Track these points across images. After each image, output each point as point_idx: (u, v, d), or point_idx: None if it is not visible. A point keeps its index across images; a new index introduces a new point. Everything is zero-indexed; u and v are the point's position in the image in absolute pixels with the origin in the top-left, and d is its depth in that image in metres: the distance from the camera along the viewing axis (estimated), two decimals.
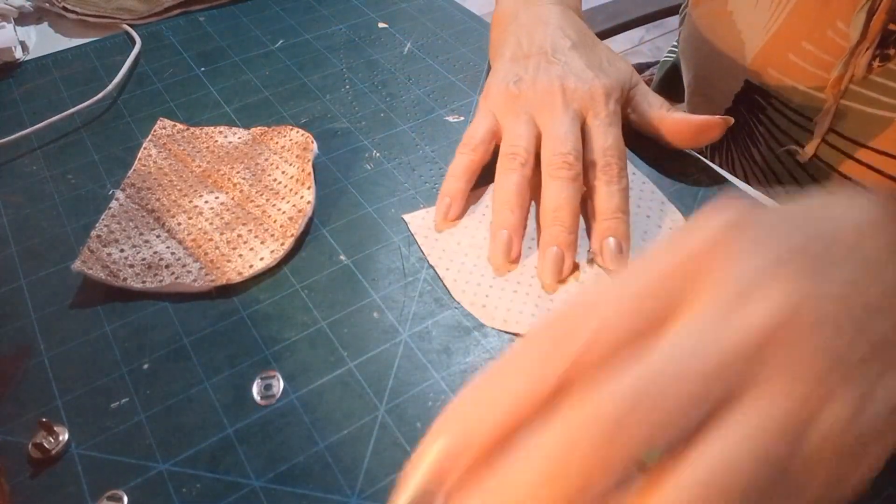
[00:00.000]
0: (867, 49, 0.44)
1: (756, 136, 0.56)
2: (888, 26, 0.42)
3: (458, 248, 0.41)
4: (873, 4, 0.42)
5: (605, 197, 0.40)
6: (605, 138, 0.42)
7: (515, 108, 0.44)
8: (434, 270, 0.40)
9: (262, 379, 0.35)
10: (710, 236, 0.23)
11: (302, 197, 0.43)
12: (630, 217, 0.41)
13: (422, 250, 0.41)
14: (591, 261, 0.40)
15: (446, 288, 0.39)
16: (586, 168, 0.41)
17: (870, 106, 0.46)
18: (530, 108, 0.43)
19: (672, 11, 0.94)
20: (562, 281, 0.38)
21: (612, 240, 0.39)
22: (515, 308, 0.38)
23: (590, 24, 0.52)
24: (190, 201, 0.44)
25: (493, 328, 0.37)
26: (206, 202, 0.44)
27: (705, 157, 0.47)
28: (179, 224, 0.43)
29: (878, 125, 0.46)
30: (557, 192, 0.40)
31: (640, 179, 0.45)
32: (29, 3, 0.64)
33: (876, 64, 0.44)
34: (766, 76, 0.52)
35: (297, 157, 0.46)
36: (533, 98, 0.43)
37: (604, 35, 0.90)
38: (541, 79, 0.44)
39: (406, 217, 0.43)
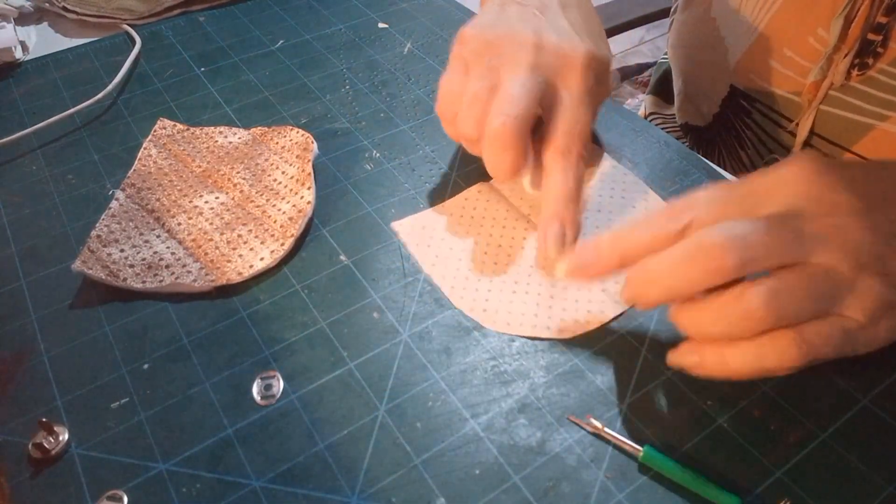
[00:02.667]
0: (845, 56, 0.44)
1: (744, 140, 0.56)
2: (867, 35, 0.42)
3: (451, 254, 0.41)
4: (851, 11, 0.42)
5: (560, 181, 0.38)
6: (573, 120, 0.38)
7: (482, 59, 0.39)
8: (430, 278, 0.40)
9: (262, 379, 0.35)
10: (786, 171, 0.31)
11: (302, 197, 0.43)
12: (612, 206, 0.42)
13: (415, 259, 0.41)
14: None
15: (444, 295, 0.39)
16: (545, 142, 0.38)
17: (851, 112, 0.46)
18: (497, 60, 0.39)
19: (670, 12, 0.94)
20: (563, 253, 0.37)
21: (557, 225, 0.37)
22: (517, 310, 0.37)
23: None
24: (190, 201, 0.44)
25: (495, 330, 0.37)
26: (206, 202, 0.44)
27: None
28: (179, 224, 0.43)
29: (860, 131, 0.46)
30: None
31: (622, 171, 0.45)
32: (29, 3, 0.64)
33: (855, 73, 0.44)
34: (749, 81, 0.52)
35: (297, 157, 0.46)
36: (502, 49, 0.39)
37: None
38: (516, 29, 0.40)
39: (394, 225, 0.43)
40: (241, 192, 0.45)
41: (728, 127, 0.57)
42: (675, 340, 0.36)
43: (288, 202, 0.43)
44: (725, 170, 0.59)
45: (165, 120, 0.51)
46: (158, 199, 0.45)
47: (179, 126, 0.51)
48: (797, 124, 0.50)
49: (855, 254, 0.29)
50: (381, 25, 0.62)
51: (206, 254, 0.41)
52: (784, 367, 0.29)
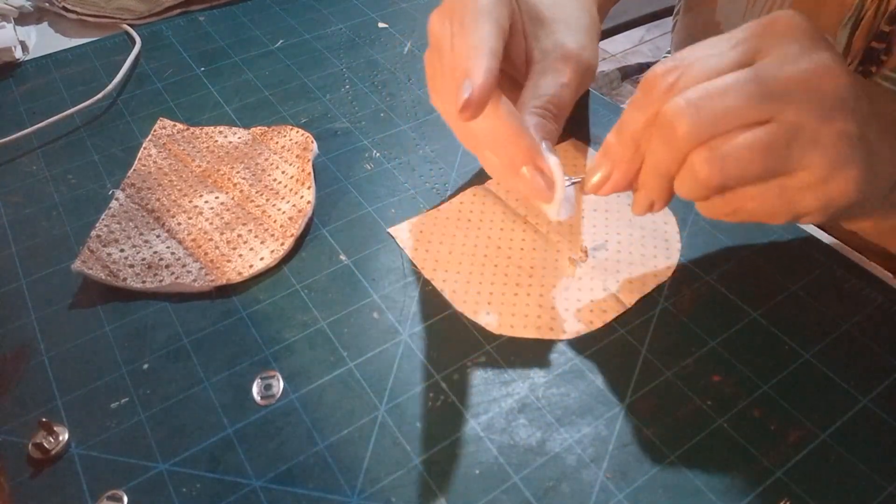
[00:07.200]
0: (850, 64, 0.44)
1: None
2: (871, 44, 0.42)
3: (450, 258, 0.40)
4: (856, 21, 0.42)
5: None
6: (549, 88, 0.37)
7: (444, 25, 0.40)
8: (431, 282, 0.40)
9: (262, 379, 0.35)
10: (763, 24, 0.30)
11: (302, 197, 0.43)
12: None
13: (413, 263, 0.40)
14: (583, 256, 0.40)
15: (445, 296, 0.39)
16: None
17: None
18: (453, 20, 0.39)
19: (672, 11, 0.94)
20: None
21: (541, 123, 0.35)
22: (520, 311, 0.37)
23: None
24: (190, 201, 0.44)
25: (500, 334, 0.37)
26: (206, 202, 0.44)
27: None
28: (179, 224, 0.43)
29: None
30: None
31: None
32: (29, 3, 0.64)
33: None
34: None
35: (297, 157, 0.46)
36: (456, 6, 0.39)
37: (604, 35, 0.90)
38: None
39: (391, 231, 0.42)
40: (241, 191, 0.45)
41: None
42: (676, 341, 0.36)
43: (288, 202, 0.43)
44: None
45: (165, 120, 0.51)
46: (158, 199, 0.45)
47: (179, 126, 0.51)
48: None
49: (822, 102, 0.27)
50: (381, 25, 0.62)
51: (206, 254, 0.41)
52: (693, 183, 0.29)
